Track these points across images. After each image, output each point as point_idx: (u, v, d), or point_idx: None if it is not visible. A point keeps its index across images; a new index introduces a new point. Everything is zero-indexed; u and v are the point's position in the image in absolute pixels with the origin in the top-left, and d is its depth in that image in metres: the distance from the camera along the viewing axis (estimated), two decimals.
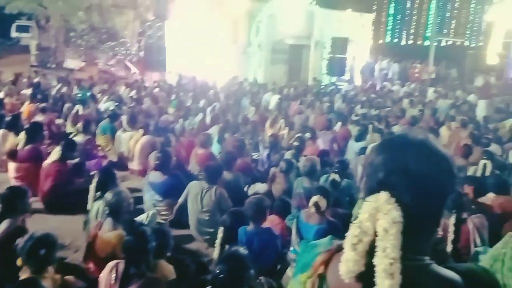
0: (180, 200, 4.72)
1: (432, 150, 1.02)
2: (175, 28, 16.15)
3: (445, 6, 21.99)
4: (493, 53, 19.64)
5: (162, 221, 4.39)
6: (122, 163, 6.73)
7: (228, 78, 14.58)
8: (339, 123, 8.50)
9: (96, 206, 3.96)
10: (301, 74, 18.05)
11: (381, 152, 1.06)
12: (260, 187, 5.39)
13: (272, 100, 11.54)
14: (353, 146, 7.00)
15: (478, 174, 5.37)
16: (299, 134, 7.15)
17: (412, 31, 23.18)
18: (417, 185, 0.99)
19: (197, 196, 4.51)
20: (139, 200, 5.01)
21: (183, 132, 7.49)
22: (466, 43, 23.02)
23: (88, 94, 10.52)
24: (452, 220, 3.62)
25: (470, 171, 5.54)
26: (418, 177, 0.99)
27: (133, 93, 11.26)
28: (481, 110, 11.28)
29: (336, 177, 4.94)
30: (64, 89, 11.23)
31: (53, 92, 10.97)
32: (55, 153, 5.18)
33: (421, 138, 1.04)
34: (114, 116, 7.64)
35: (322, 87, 15.11)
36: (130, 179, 6.41)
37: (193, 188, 4.59)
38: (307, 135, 7.12)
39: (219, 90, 12.74)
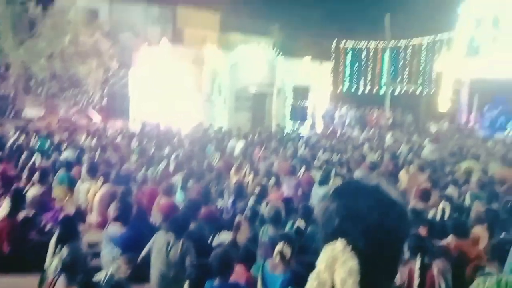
0: (143, 253, 4.49)
1: (384, 195, 1.02)
2: (140, 76, 16.21)
3: (397, 56, 23.38)
4: (444, 100, 20.85)
5: (121, 277, 4.14)
6: (80, 215, 6.41)
7: (193, 125, 14.59)
8: (303, 169, 8.57)
9: (54, 263, 3.70)
10: (265, 120, 18.35)
11: (335, 199, 1.06)
12: (225, 237, 5.24)
13: (237, 146, 11.57)
14: (317, 191, 7.03)
15: (438, 217, 5.49)
16: (263, 180, 7.13)
17: (368, 79, 24.35)
18: (371, 232, 0.99)
19: (162, 249, 4.31)
20: (98, 255, 4.74)
21: (145, 181, 7.30)
22: (419, 91, 24.33)
23: (47, 143, 10.17)
24: (417, 265, 3.62)
25: (430, 214, 5.64)
26: (372, 224, 0.99)
27: (94, 141, 10.99)
28: (430, 153, 11.73)
29: (301, 223, 4.89)
30: (22, 139, 10.80)
31: (10, 142, 10.52)
32: (4, 208, 4.87)
33: (373, 184, 1.04)
34: (69, 165, 7.37)
35: (285, 133, 15.36)
36: (89, 232, 6.09)
37: (158, 241, 4.39)
38: (272, 181, 7.11)
39: (184, 137, 12.68)
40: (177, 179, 7.19)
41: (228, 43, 18.31)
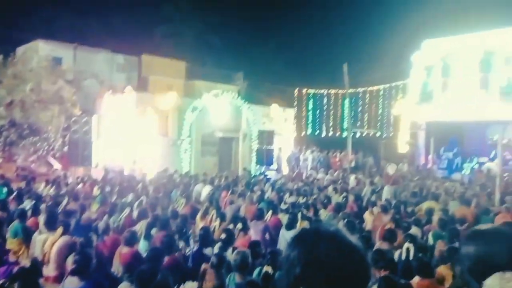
0: None
1: (343, 241, 1.04)
2: (103, 122, 15.96)
3: (357, 102, 24.34)
4: (403, 143, 21.64)
5: None
6: (36, 269, 5.98)
7: (158, 171, 14.33)
8: (270, 212, 8.50)
9: None
10: (231, 164, 18.33)
11: (295, 246, 1.06)
12: (190, 286, 5.01)
13: (203, 191, 11.40)
14: (285, 235, 6.95)
15: (403, 257, 5.51)
16: (230, 225, 6.98)
17: (331, 123, 25.08)
18: (332, 278, 0.99)
19: None
20: None
21: (107, 230, 6.97)
22: (379, 134, 25.22)
23: (4, 192, 9.65)
24: None
25: (395, 255, 5.66)
26: (332, 269, 0.99)
27: (53, 190, 10.53)
28: (387, 194, 11.98)
29: (269, 269, 4.77)
30: None
31: None
32: None
33: (332, 230, 1.06)
34: (23, 215, 6.95)
35: (252, 177, 15.34)
36: (45, 286, 5.67)
37: None
38: (239, 225, 6.98)
39: (148, 183, 12.38)
40: (140, 227, 6.93)
41: (194, 90, 18.52)
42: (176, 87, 17.89)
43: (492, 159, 19.21)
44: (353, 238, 1.07)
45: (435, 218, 7.91)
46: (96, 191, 10.76)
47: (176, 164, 15.88)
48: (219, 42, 26.28)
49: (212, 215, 8.31)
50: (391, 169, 17.04)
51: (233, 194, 10.75)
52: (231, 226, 7.20)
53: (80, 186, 11.39)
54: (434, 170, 20.06)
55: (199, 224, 8.08)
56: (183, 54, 20.36)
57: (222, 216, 8.11)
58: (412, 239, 5.89)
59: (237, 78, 19.98)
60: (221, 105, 17.76)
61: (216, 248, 5.94)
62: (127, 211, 8.07)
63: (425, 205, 9.52)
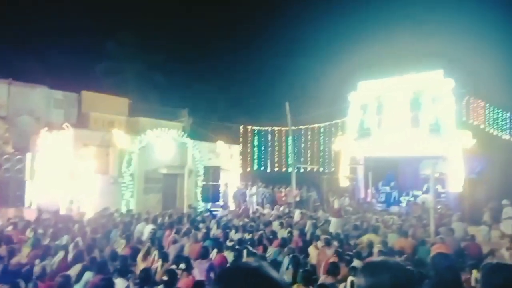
0: None
1: (264, 277, 1.05)
2: (38, 160, 15.05)
3: (299, 139, 25.04)
4: (343, 177, 22.34)
5: None
6: None
7: (98, 210, 13.59)
8: (215, 251, 8.28)
9: None
10: (176, 201, 17.85)
11: (216, 284, 1.07)
12: None
13: (145, 230, 10.93)
14: None
15: None
16: (172, 266, 6.69)
17: (275, 159, 25.47)
18: None
19: None
20: None
21: (39, 276, 6.41)
22: (321, 169, 25.94)
23: None
24: None
25: None
26: None
27: None
28: (333, 227, 12.23)
29: None
30: None
31: None
32: None
33: (253, 266, 1.08)
34: None
35: (197, 214, 15.00)
36: None
37: None
38: (182, 265, 6.70)
39: (86, 223, 11.67)
40: (76, 270, 6.44)
41: (137, 127, 18.10)
42: (118, 124, 17.39)
43: (425, 192, 20.32)
44: (275, 273, 1.08)
45: (375, 250, 8.10)
46: (29, 233, 9.95)
47: (117, 203, 15.18)
48: (163, 79, 26.19)
49: (154, 256, 7.95)
50: (336, 203, 17.48)
51: (177, 233, 10.39)
52: (174, 267, 6.90)
53: (10, 228, 10.48)
54: (373, 203, 20.81)
55: (140, 265, 7.68)
56: (126, 91, 20.02)
57: (164, 256, 7.77)
58: (356, 272, 5.96)
59: (182, 115, 19.86)
60: (165, 141, 17.47)
61: None
62: (61, 254, 7.51)
63: (365, 238, 9.75)
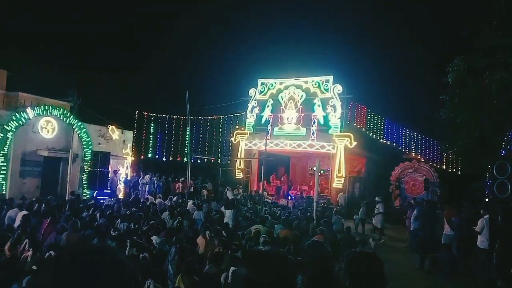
0: None
1: (111, 257, 0.95)
2: None
3: (198, 129, 24.82)
4: (238, 170, 22.78)
5: None
6: None
7: None
8: (96, 240, 7.75)
9: None
10: (58, 188, 16.39)
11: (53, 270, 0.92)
12: None
13: (17, 216, 9.81)
14: None
15: (229, 280, 5.59)
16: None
17: (172, 149, 24.87)
18: None
19: None
20: None
21: None
22: (218, 161, 26.09)
23: None
24: None
25: (222, 278, 5.71)
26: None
27: None
28: (226, 218, 12.46)
29: None
30: None
31: None
32: None
33: (98, 248, 0.99)
34: None
35: (81, 201, 13.93)
36: None
37: None
38: (52, 254, 6.11)
39: None
40: None
41: (15, 103, 16.15)
42: None
43: (312, 187, 21.66)
44: (123, 257, 0.98)
45: (262, 240, 8.36)
46: None
47: None
48: (49, 53, 23.74)
49: (25, 245, 7.15)
50: (230, 194, 17.69)
51: (55, 222, 9.49)
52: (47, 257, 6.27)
53: None
54: (264, 195, 21.56)
55: (7, 254, 6.84)
56: (5, 63, 17.71)
57: (36, 246, 7.03)
58: (237, 261, 6.05)
59: (70, 94, 18.17)
60: (48, 121, 15.89)
61: (25, 283, 5.05)
62: None
63: (253, 228, 10.01)
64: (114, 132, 18.76)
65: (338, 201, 19.66)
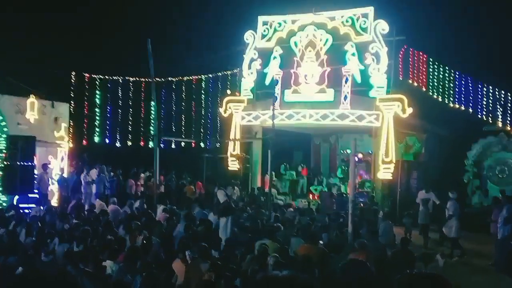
0: None
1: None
2: None
3: (168, 98, 24.82)
4: (232, 157, 22.65)
5: None
6: None
7: None
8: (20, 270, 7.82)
9: None
10: None
11: None
12: None
13: None
14: None
15: None
16: None
17: (129, 129, 24.90)
18: None
19: None
20: None
21: None
22: (202, 145, 26.18)
23: None
24: None
25: None
26: None
27: None
28: (222, 230, 12.59)
29: None
30: None
31: None
32: None
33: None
34: None
35: None
36: None
37: None
38: None
39: None
40: None
41: None
42: None
43: (344, 179, 21.72)
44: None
45: (271, 261, 8.39)
46: None
47: None
48: None
49: None
50: (221, 195, 17.78)
51: None
52: None
53: None
54: (274, 195, 21.63)
55: None
56: None
57: None
58: None
59: None
60: None
61: None
62: None
63: (258, 244, 10.05)
64: (39, 106, 18.60)
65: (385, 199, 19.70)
